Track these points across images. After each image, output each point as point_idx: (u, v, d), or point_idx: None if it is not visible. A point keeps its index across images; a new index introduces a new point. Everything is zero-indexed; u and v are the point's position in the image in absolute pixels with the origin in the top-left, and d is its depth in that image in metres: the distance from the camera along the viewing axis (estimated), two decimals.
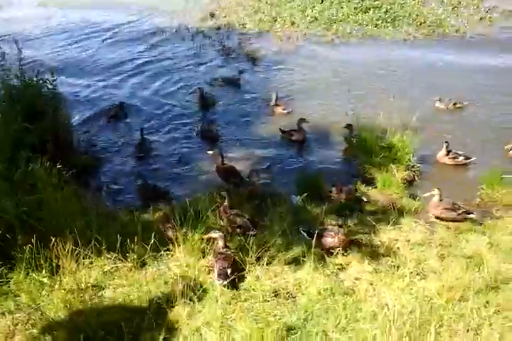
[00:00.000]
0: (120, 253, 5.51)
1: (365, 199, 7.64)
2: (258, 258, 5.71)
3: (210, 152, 8.63)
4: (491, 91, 11.78)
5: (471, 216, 7.13)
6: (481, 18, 16.66)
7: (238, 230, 6.48)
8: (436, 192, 7.32)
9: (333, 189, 7.89)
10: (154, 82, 12.85)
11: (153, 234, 5.48)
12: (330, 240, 6.13)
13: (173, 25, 17.03)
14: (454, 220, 7.17)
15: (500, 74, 12.77)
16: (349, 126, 9.50)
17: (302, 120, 9.97)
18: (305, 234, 6.31)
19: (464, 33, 15.46)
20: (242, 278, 5.48)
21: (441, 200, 7.29)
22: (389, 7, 17.31)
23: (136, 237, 5.57)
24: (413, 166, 8.79)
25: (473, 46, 14.62)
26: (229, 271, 5.32)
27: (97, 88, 12.54)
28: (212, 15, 17.65)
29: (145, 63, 14.14)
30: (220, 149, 8.69)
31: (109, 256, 5.52)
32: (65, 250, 5.21)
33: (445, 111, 10.96)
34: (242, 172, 8.33)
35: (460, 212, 7.13)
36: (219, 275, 5.27)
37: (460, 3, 18.04)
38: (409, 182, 8.52)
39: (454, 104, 11.01)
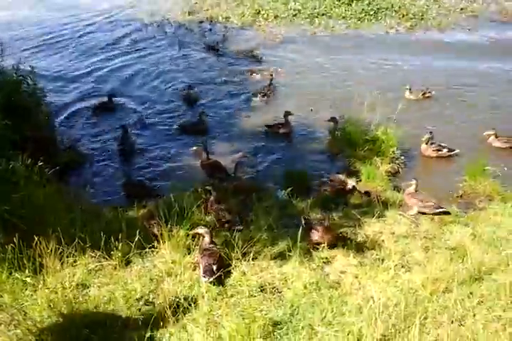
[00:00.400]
0: (104, 251, 5.46)
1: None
2: (244, 254, 5.70)
3: (194, 148, 8.59)
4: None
5: (441, 210, 7.21)
6: (461, 9, 16.73)
7: (225, 225, 6.47)
8: (413, 182, 7.41)
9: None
10: (137, 78, 12.72)
11: (137, 231, 5.46)
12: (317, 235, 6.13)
13: (154, 20, 16.85)
14: (424, 213, 7.26)
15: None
16: (333, 119, 9.51)
17: (288, 113, 9.95)
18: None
19: (445, 26, 15.49)
20: (228, 274, 5.46)
21: (416, 191, 7.41)
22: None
23: (120, 234, 5.52)
24: (397, 159, 8.85)
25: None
26: (215, 267, 5.30)
27: (80, 83, 12.38)
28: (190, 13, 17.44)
29: (128, 58, 13.97)
30: (205, 144, 8.64)
31: (93, 254, 5.46)
32: (48, 249, 5.14)
33: (416, 101, 10.97)
34: (227, 167, 8.31)
35: (430, 204, 7.23)
36: (205, 272, 5.25)
37: None
38: (394, 175, 8.59)
39: (423, 94, 11.05)
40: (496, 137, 9.42)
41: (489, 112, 10.65)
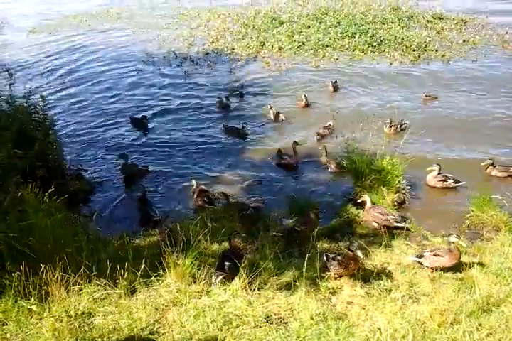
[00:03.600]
0: (110, 280, 5.46)
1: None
2: (250, 283, 5.67)
3: (192, 183, 8.75)
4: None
5: (401, 225, 7.43)
6: (464, 41, 17.03)
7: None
8: (366, 197, 7.92)
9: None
10: (141, 108, 12.98)
11: (143, 260, 5.46)
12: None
13: (161, 51, 17.22)
14: (384, 225, 7.47)
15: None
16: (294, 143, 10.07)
17: (295, 143, 10.09)
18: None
19: (449, 57, 15.74)
20: (234, 304, 5.42)
21: (373, 204, 7.85)
22: (375, 32, 17.66)
23: (126, 263, 5.52)
24: (403, 188, 8.85)
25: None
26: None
27: (86, 113, 12.66)
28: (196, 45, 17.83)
29: (132, 88, 14.31)
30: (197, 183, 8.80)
31: (99, 282, 5.46)
32: (54, 277, 5.15)
33: (394, 135, 10.89)
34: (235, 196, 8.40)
35: (388, 218, 7.51)
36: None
37: (443, 28, 18.48)
38: (400, 205, 8.57)
39: (401, 126, 11.09)
40: (494, 166, 9.46)
41: (487, 141, 10.71)
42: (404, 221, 7.67)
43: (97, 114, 12.63)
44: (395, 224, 7.56)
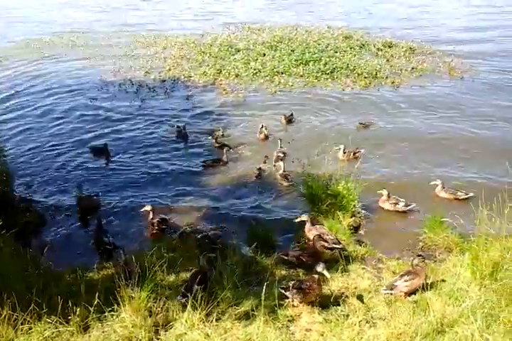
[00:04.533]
0: (62, 317, 5.27)
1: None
2: (208, 314, 5.59)
3: (146, 208, 8.64)
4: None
5: (338, 246, 7.56)
6: (412, 68, 17.78)
7: None
8: (305, 217, 8.08)
9: None
10: (96, 137, 12.85)
11: (97, 294, 5.31)
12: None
13: (116, 79, 17.15)
14: (323, 247, 7.51)
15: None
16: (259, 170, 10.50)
17: (260, 170, 10.48)
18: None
19: (398, 84, 16.37)
20: (191, 337, 5.32)
21: (313, 225, 8.01)
22: (328, 59, 18.20)
23: (79, 298, 5.36)
24: (358, 212, 9.02)
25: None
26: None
27: (38, 143, 12.42)
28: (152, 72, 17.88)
29: (86, 117, 14.16)
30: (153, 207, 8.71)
31: (49, 320, 5.26)
32: (1, 316, 4.93)
33: (347, 161, 11.07)
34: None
35: (330, 238, 7.64)
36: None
37: (392, 55, 19.26)
38: (356, 229, 8.71)
39: (354, 154, 11.33)
40: (443, 188, 9.80)
41: (437, 163, 11.15)
42: (340, 243, 7.71)
43: (49, 144, 12.34)
44: (333, 246, 7.58)
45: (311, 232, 7.92)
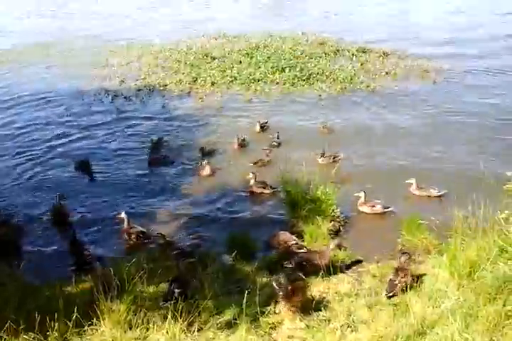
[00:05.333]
0: (40, 333, 5.17)
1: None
2: (190, 325, 5.55)
3: (121, 215, 8.58)
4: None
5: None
6: (386, 73, 18.04)
7: None
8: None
9: None
10: (72, 148, 12.70)
11: (76, 309, 5.23)
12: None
13: (91, 89, 16.99)
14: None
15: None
16: None
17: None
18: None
19: (373, 88, 16.58)
20: None
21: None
22: (303, 66, 18.34)
23: (57, 313, 5.27)
24: (337, 217, 9.07)
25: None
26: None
27: (13, 156, 12.22)
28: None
29: (62, 128, 13.97)
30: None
31: (27, 337, 5.15)
32: None
33: (326, 165, 11.16)
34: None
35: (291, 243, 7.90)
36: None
37: (367, 60, 19.51)
38: (335, 233, 8.76)
39: (333, 158, 11.38)
40: (417, 186, 10.01)
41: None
42: (305, 247, 7.88)
43: (25, 156, 12.16)
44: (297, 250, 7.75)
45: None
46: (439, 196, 9.93)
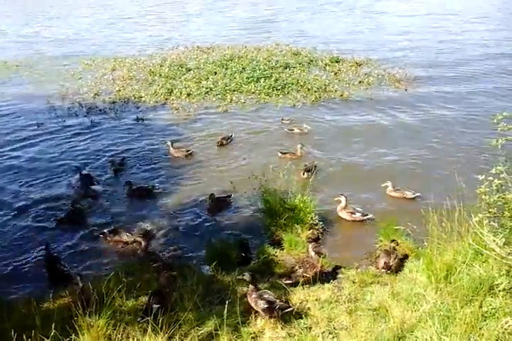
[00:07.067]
0: None
1: None
2: (170, 338, 5.50)
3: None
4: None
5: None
6: (360, 82, 18.33)
7: None
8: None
9: None
10: (44, 164, 12.48)
11: (53, 325, 5.13)
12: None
13: (64, 102, 16.81)
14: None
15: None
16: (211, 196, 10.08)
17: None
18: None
19: (347, 97, 16.82)
20: None
21: None
22: (278, 76, 18.52)
23: (34, 330, 5.15)
24: (316, 224, 9.13)
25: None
26: None
27: None
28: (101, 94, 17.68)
29: (34, 143, 13.77)
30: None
31: None
32: None
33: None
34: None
35: None
36: None
37: (340, 70, 19.80)
38: (315, 241, 8.79)
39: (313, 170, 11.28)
40: (393, 188, 10.40)
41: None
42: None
43: None
44: None
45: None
46: (414, 198, 10.29)
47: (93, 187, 10.73)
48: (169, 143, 12.61)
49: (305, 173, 11.19)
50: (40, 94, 17.61)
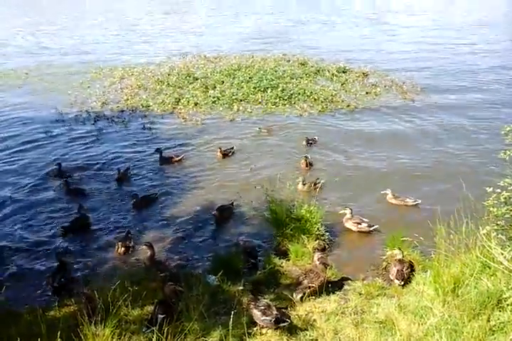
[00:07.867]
0: None
1: None
2: None
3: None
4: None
5: None
6: (366, 93, 18.36)
7: None
8: None
9: None
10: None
11: (59, 334, 5.12)
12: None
13: (73, 111, 16.93)
14: None
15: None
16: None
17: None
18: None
19: (354, 107, 16.84)
20: None
21: None
22: (285, 86, 18.60)
23: (40, 339, 5.15)
24: (322, 235, 9.09)
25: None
26: None
27: None
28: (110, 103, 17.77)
29: (40, 149, 13.83)
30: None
31: None
32: None
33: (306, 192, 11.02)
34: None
35: None
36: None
37: (347, 80, 19.87)
38: (321, 251, 8.74)
39: (314, 185, 11.16)
40: (394, 195, 10.51)
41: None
42: None
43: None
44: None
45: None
46: (415, 205, 10.39)
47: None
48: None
49: (302, 186, 11.14)
50: (49, 102, 17.74)
